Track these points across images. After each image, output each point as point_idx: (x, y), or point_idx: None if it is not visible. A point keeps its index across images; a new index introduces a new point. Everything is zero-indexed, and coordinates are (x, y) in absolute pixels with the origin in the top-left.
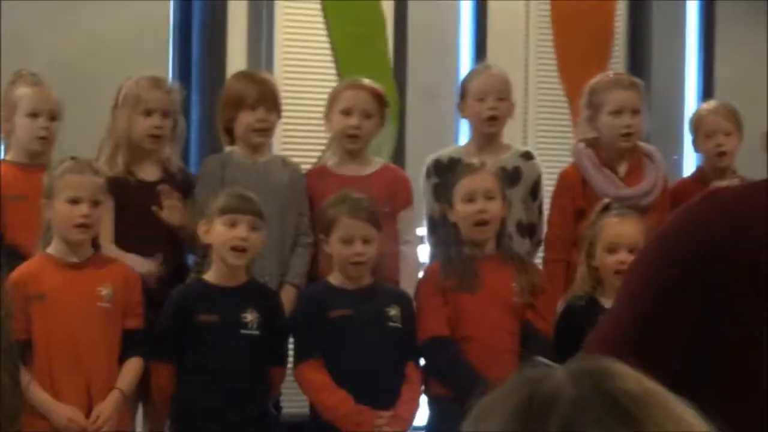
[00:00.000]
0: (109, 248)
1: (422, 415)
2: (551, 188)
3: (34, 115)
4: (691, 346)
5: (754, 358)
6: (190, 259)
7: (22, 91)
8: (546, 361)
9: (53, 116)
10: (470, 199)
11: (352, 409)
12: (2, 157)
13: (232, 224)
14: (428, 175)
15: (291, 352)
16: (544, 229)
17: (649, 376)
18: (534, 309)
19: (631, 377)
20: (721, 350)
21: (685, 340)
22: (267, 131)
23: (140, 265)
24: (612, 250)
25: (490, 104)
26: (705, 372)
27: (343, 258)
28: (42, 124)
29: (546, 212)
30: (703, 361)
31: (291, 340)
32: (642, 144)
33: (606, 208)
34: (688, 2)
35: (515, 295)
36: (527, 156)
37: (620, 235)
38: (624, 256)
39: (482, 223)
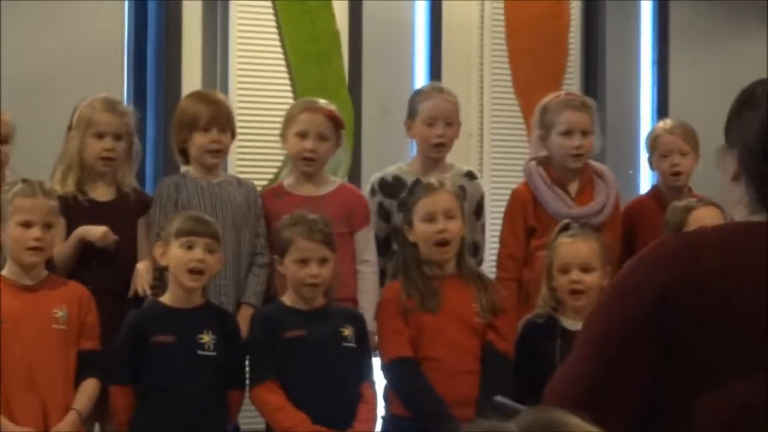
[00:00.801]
0: (61, 246)
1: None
2: (505, 205)
3: None
4: (648, 390)
5: (704, 405)
6: None
7: None
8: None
9: (4, 140)
10: (430, 218)
11: (309, 429)
12: None
13: (189, 247)
14: (373, 193)
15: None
16: (488, 248)
17: (608, 421)
18: (494, 329)
19: (581, 428)
20: (673, 396)
21: (643, 384)
22: (220, 152)
23: (95, 232)
24: (565, 270)
25: (438, 131)
26: (659, 418)
27: (298, 279)
28: None
29: (491, 231)
30: (658, 406)
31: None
32: (593, 163)
33: (565, 228)
34: (642, 19)
35: (476, 315)
36: (470, 176)
37: (572, 254)
38: (576, 275)
39: (443, 243)
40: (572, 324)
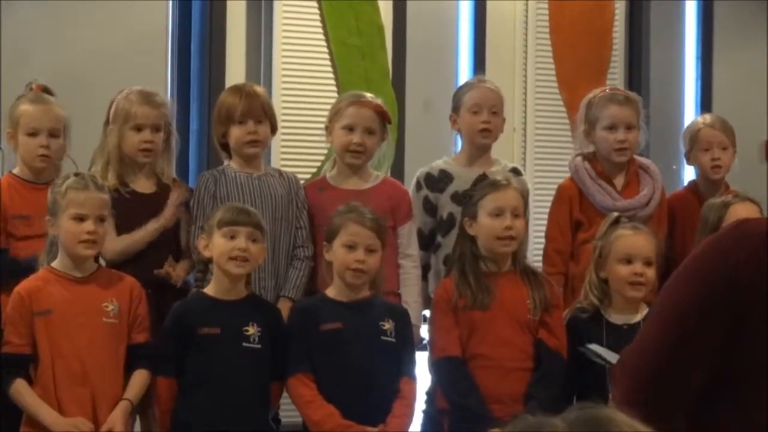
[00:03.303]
0: (117, 241)
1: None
2: (549, 200)
3: (33, 133)
4: (715, 369)
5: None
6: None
7: (22, 109)
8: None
9: (54, 134)
10: (498, 214)
11: (339, 424)
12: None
13: (231, 236)
14: (418, 188)
15: None
16: (531, 242)
17: (671, 398)
18: (546, 326)
19: (627, 425)
20: (739, 375)
21: (709, 364)
22: (258, 143)
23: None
24: (627, 261)
25: (484, 117)
26: (723, 398)
27: (343, 263)
28: (41, 142)
29: (533, 226)
30: (724, 383)
31: None
32: (639, 158)
33: (616, 221)
34: (686, 13)
35: (529, 312)
36: (516, 172)
37: (635, 246)
38: (639, 268)
39: (507, 239)
40: (618, 317)
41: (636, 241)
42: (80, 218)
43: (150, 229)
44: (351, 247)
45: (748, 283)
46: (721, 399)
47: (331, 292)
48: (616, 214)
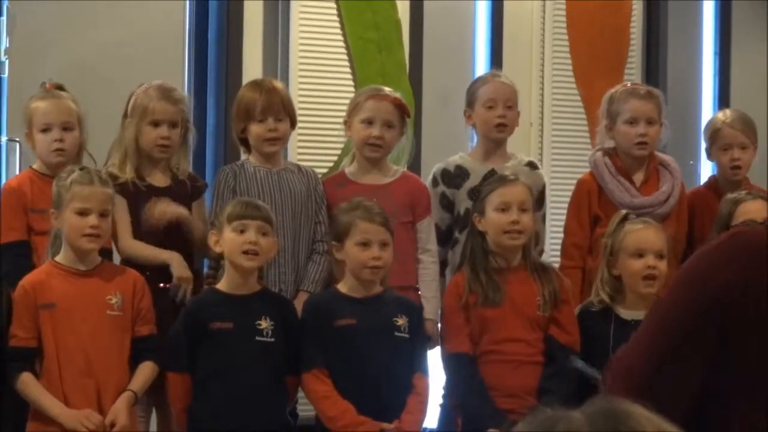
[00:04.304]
0: (130, 244)
1: (432, 419)
2: (566, 194)
3: (46, 129)
4: (704, 382)
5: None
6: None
7: (33, 107)
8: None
9: (67, 127)
10: (504, 208)
11: (355, 419)
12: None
13: (242, 230)
14: (435, 183)
15: None
16: (548, 237)
17: (669, 397)
18: (556, 321)
19: (645, 419)
20: (728, 390)
21: (705, 368)
22: (278, 140)
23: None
24: (639, 255)
25: (499, 112)
26: (713, 409)
27: (360, 262)
28: (54, 136)
29: (550, 220)
30: (713, 398)
31: None
32: (659, 154)
33: (624, 218)
34: (704, 8)
35: (538, 308)
36: (532, 165)
37: (646, 240)
38: (652, 261)
39: (514, 233)
40: (628, 313)
41: (647, 235)
42: (84, 212)
43: (163, 256)
44: (365, 244)
45: (736, 300)
46: (709, 414)
47: (343, 287)
48: (624, 211)
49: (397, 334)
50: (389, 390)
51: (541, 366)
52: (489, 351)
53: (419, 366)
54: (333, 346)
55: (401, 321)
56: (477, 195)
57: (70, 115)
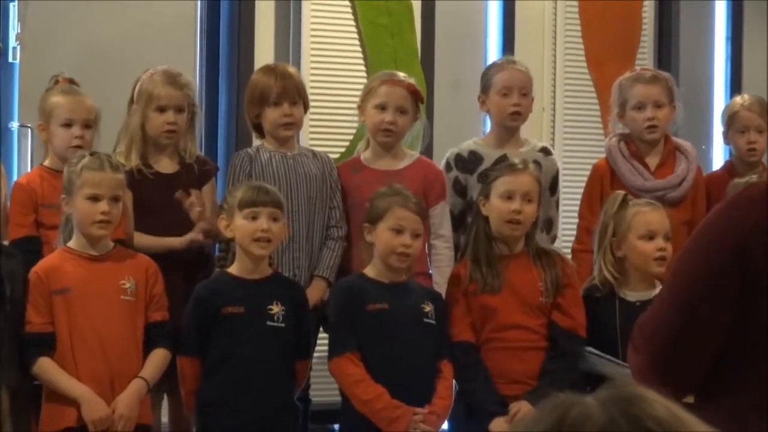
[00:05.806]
0: (136, 239)
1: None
2: (578, 180)
3: (68, 124)
4: (730, 335)
5: None
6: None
7: (56, 101)
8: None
9: (87, 124)
10: (508, 197)
11: (389, 404)
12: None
13: (253, 217)
14: (448, 168)
15: (322, 345)
16: (560, 221)
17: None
18: (559, 307)
19: (659, 403)
20: (752, 338)
21: (725, 328)
22: (293, 125)
23: (179, 242)
24: (649, 237)
25: (514, 100)
26: (732, 368)
27: (390, 246)
28: (76, 133)
29: (563, 205)
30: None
31: (320, 332)
32: (676, 139)
33: (624, 200)
34: None
35: (541, 294)
36: (545, 151)
37: (656, 222)
38: (662, 243)
39: (515, 222)
40: (632, 295)
41: (656, 217)
42: (95, 198)
43: (174, 244)
44: (398, 231)
45: (757, 250)
46: (728, 374)
47: (371, 272)
48: (622, 192)
49: (425, 320)
50: (419, 375)
51: (545, 351)
52: (491, 338)
53: (445, 352)
54: (365, 330)
55: (428, 308)
56: (485, 178)
57: (90, 113)
